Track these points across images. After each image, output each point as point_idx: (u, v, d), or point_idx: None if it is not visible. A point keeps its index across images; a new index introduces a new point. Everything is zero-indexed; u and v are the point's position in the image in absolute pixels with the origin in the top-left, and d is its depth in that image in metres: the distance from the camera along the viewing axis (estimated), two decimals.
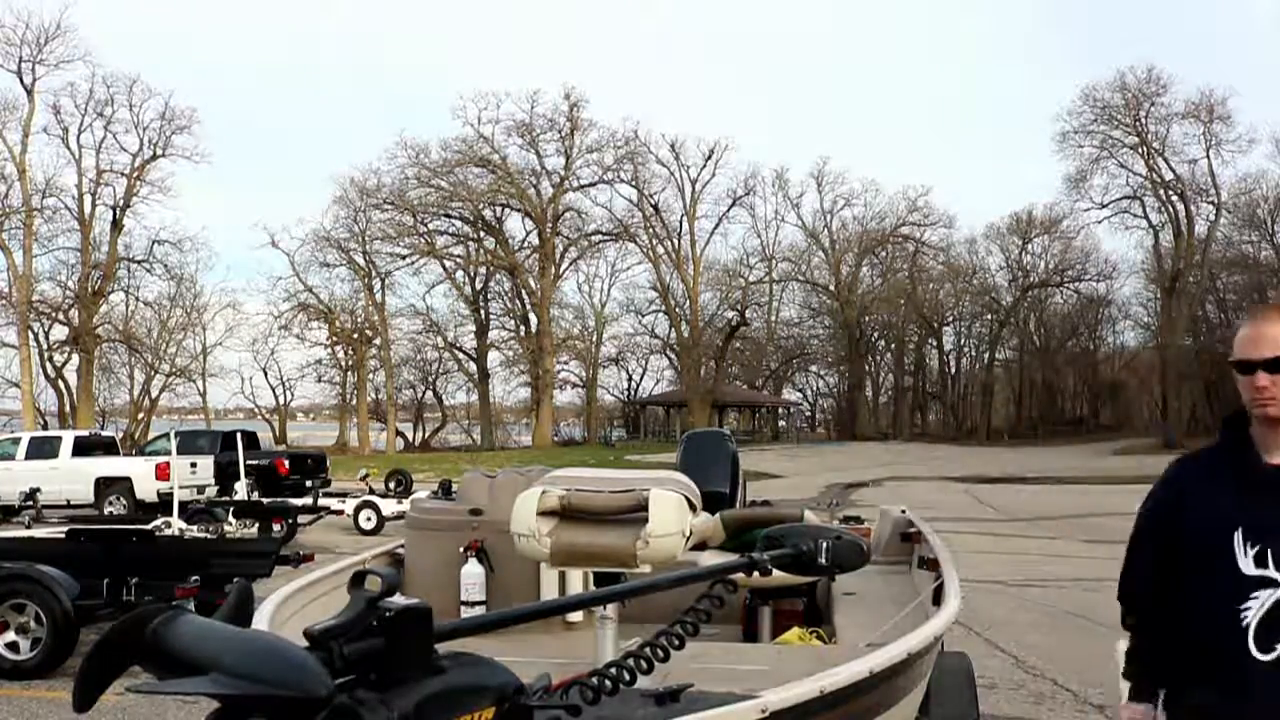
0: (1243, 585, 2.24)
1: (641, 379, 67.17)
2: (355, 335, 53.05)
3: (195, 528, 11.57)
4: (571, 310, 57.72)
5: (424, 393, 61.57)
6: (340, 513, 17.71)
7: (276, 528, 13.93)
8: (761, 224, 64.35)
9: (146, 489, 20.74)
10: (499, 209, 53.56)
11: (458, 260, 54.40)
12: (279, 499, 17.27)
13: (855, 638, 3.58)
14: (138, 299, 46.73)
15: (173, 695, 1.53)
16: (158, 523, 10.83)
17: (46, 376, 44.66)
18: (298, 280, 52.24)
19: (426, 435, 60.90)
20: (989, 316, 67.99)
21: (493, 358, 56.56)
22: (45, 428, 38.65)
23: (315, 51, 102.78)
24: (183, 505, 13.60)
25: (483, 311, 55.70)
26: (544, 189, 52.93)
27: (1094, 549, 14.39)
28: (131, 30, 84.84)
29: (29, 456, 21.82)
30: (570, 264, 55.12)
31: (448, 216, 53.24)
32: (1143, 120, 51.84)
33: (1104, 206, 55.42)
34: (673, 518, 2.81)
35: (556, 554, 2.87)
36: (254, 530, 12.30)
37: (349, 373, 54.74)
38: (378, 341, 53.78)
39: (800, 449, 52.34)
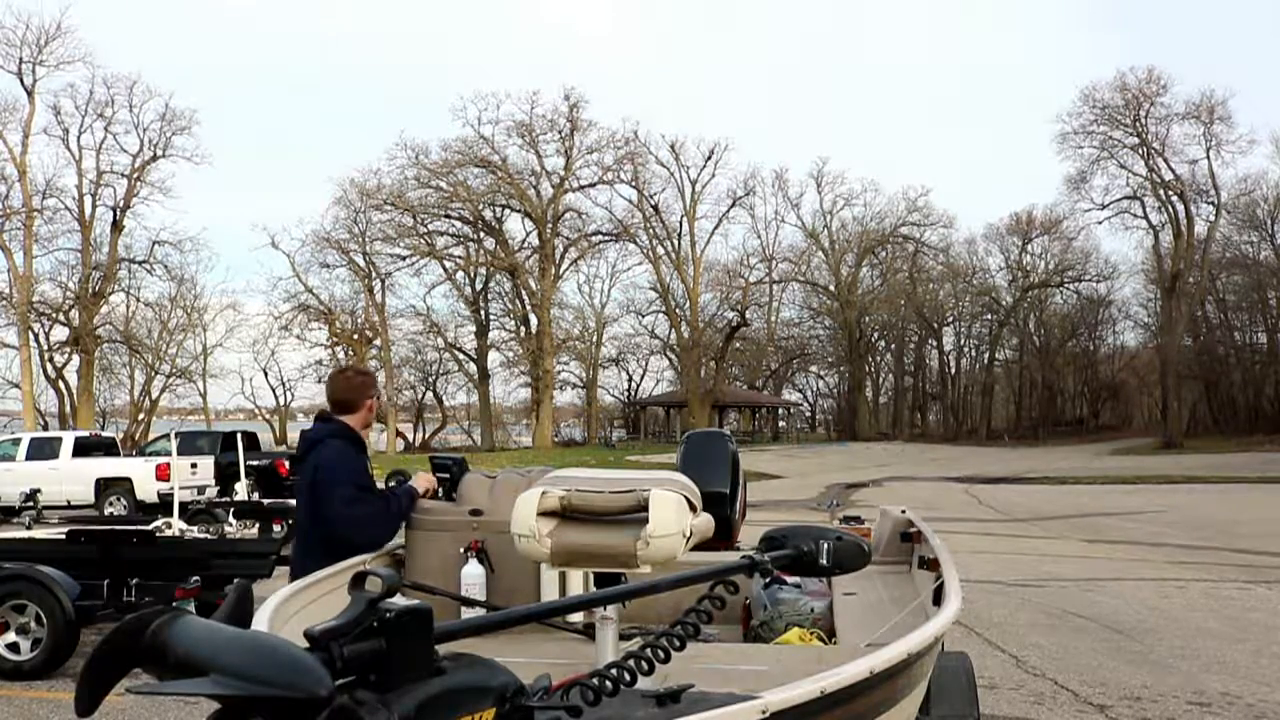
0: None
1: (641, 379, 67.35)
2: (355, 336, 53.06)
3: (195, 528, 11.57)
4: (571, 311, 57.88)
5: (424, 393, 61.66)
6: None
7: (277, 528, 13.88)
8: (761, 224, 64.56)
9: (147, 490, 20.76)
10: (499, 209, 53.60)
11: (458, 261, 54.44)
12: (279, 500, 17.24)
13: (856, 638, 3.58)
14: (138, 300, 46.84)
15: (173, 696, 1.54)
16: (158, 523, 10.81)
17: (47, 377, 44.71)
18: (298, 281, 52.36)
19: (427, 436, 60.91)
20: (989, 317, 68.10)
21: (493, 358, 56.67)
22: (46, 428, 38.66)
23: (315, 51, 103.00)
24: (183, 506, 13.60)
25: (483, 312, 55.72)
26: (544, 189, 53.00)
27: (1094, 549, 14.40)
28: (131, 31, 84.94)
29: (30, 457, 21.84)
30: (570, 264, 55.21)
31: (448, 217, 53.26)
32: (1143, 121, 51.87)
33: (1104, 207, 55.52)
34: (673, 518, 2.81)
35: (557, 554, 2.87)
36: (254, 531, 12.28)
37: None
38: (378, 342, 53.80)
39: (800, 449, 52.37)
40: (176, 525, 10.99)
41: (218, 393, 79.52)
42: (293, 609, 2.96)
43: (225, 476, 19.90)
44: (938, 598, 3.57)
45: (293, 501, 17.63)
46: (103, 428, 42.62)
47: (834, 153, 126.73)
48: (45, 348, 44.27)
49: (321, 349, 54.09)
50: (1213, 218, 53.51)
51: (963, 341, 72.34)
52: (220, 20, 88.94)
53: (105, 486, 21.26)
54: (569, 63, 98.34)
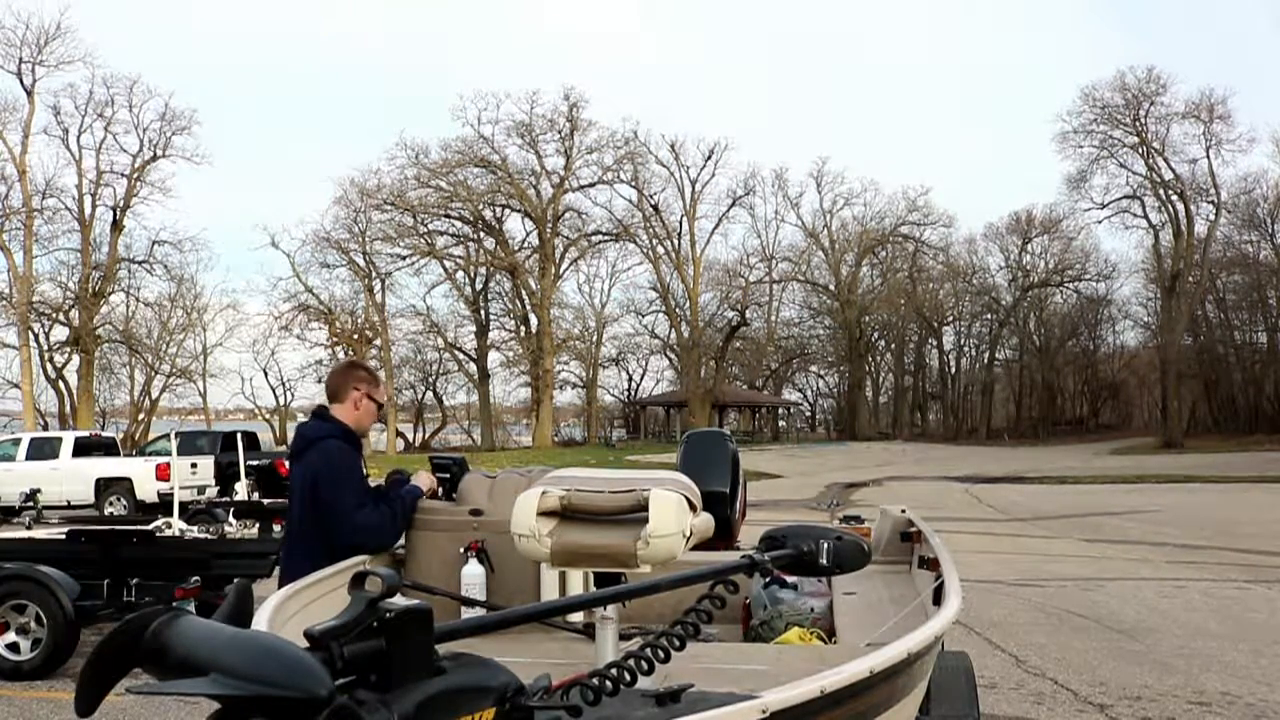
0: None
1: (641, 379, 67.36)
2: (355, 336, 53.03)
3: (195, 528, 11.57)
4: (571, 310, 57.84)
5: (424, 393, 61.64)
6: None
7: (277, 528, 13.88)
8: (761, 224, 64.63)
9: (147, 489, 20.77)
10: (499, 209, 53.58)
11: (458, 261, 54.44)
12: (279, 499, 17.23)
13: (856, 638, 3.58)
14: (138, 299, 46.77)
15: (173, 696, 1.54)
16: (158, 523, 10.81)
17: (47, 377, 44.69)
18: (298, 281, 52.32)
19: (427, 436, 60.92)
20: (989, 316, 68.13)
21: (493, 358, 56.64)
22: (46, 428, 38.65)
23: (315, 51, 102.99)
24: (183, 506, 13.60)
25: (483, 312, 55.71)
26: (544, 189, 52.98)
27: (1093, 549, 14.41)
28: (131, 31, 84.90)
29: (30, 457, 21.85)
30: (570, 264, 55.20)
31: (448, 217, 53.25)
32: (1143, 120, 51.89)
33: (1104, 206, 55.56)
34: (673, 518, 2.80)
35: (557, 554, 2.87)
36: (254, 531, 12.28)
37: None
38: (378, 342, 53.77)
39: (800, 449, 52.36)
40: (176, 525, 10.99)
41: (218, 393, 79.60)
42: (293, 609, 2.95)
43: (225, 476, 19.89)
44: (938, 597, 3.57)
45: None
46: (103, 428, 42.59)
47: (834, 153, 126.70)
48: (45, 348, 44.26)
49: (321, 349, 54.09)
50: (1213, 217, 53.59)
51: (963, 341, 72.42)
52: (220, 20, 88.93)
53: (105, 486, 21.26)
54: (569, 63, 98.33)
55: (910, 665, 2.53)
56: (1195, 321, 56.74)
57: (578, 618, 3.49)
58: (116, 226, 44.53)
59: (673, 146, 56.10)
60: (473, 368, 56.51)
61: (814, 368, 73.79)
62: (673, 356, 62.02)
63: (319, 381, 55.53)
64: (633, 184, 54.32)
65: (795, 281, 66.50)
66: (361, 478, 4.03)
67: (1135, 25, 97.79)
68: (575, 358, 59.09)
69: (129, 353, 47.52)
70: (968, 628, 8.57)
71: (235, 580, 3.11)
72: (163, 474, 19.94)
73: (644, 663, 1.81)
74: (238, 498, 16.30)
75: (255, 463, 19.89)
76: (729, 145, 66.58)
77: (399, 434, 57.31)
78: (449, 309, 57.23)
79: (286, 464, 18.97)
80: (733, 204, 58.95)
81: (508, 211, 53.67)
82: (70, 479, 21.09)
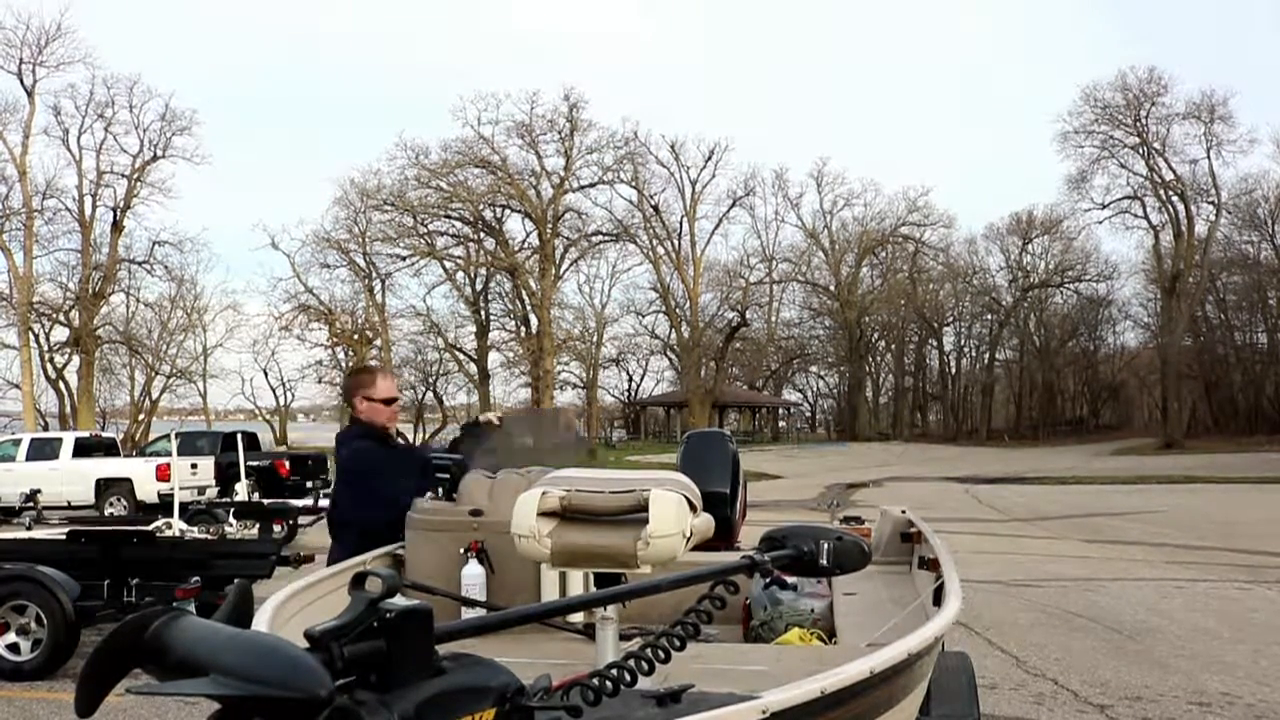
0: None
1: (642, 380, 67.40)
2: (356, 336, 53.02)
3: (196, 529, 11.57)
4: (572, 311, 57.82)
5: (424, 394, 61.63)
6: None
7: (277, 529, 13.91)
8: (761, 224, 64.65)
9: (147, 490, 20.76)
10: (499, 210, 53.55)
11: (458, 261, 54.41)
12: (279, 500, 17.25)
13: (856, 638, 3.58)
14: (138, 300, 46.78)
15: (173, 697, 1.53)
16: (158, 524, 10.82)
17: (47, 378, 44.67)
18: (298, 281, 52.32)
19: (427, 436, 60.89)
20: (989, 317, 68.15)
21: (493, 358, 56.61)
22: (46, 429, 38.63)
23: (315, 51, 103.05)
24: (183, 506, 13.60)
25: (483, 312, 55.70)
26: (544, 190, 52.94)
27: (1094, 549, 14.40)
28: (131, 31, 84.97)
29: (30, 458, 21.85)
30: (570, 265, 55.15)
31: (448, 217, 53.22)
32: (1143, 120, 51.92)
33: (1104, 207, 55.57)
34: (673, 518, 2.80)
35: (557, 555, 2.87)
36: (254, 531, 12.29)
37: None
38: (378, 342, 53.77)
39: (800, 449, 52.37)
40: (176, 525, 11.00)
41: (218, 393, 79.48)
42: (293, 609, 2.96)
43: (225, 477, 19.89)
44: (938, 598, 3.57)
45: (294, 502, 17.66)
46: (103, 428, 42.58)
47: (834, 153, 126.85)
48: (45, 348, 44.23)
49: (321, 349, 54.10)
50: (1213, 217, 53.62)
51: (963, 342, 72.45)
52: (220, 20, 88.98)
53: (105, 487, 21.25)
54: (569, 62, 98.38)
55: (910, 666, 2.53)
56: (1195, 322, 56.76)
57: (578, 618, 3.49)
58: (117, 227, 44.53)
59: (673, 147, 56.19)
60: (473, 368, 56.51)
61: (814, 368, 73.87)
62: (673, 357, 62.06)
63: (319, 382, 55.54)
64: (633, 184, 54.36)
65: (795, 282, 66.56)
66: (388, 466, 4.73)
67: (1135, 25, 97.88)
68: (575, 358, 59.09)
69: (129, 353, 47.53)
70: (968, 628, 8.57)
71: (235, 580, 3.11)
72: (163, 474, 19.93)
73: (644, 663, 1.81)
74: (238, 498, 16.31)
75: (255, 463, 19.92)
76: (729, 145, 66.71)
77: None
78: (449, 309, 57.30)
79: (287, 464, 19.10)
80: (733, 204, 59.04)
81: (508, 212, 53.65)
82: (70, 479, 21.08)
